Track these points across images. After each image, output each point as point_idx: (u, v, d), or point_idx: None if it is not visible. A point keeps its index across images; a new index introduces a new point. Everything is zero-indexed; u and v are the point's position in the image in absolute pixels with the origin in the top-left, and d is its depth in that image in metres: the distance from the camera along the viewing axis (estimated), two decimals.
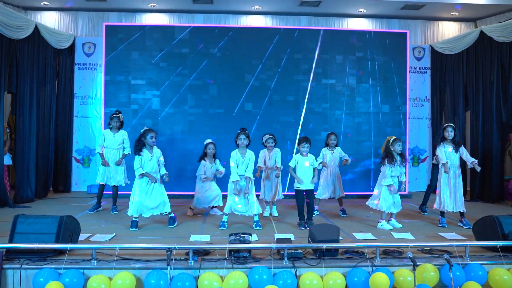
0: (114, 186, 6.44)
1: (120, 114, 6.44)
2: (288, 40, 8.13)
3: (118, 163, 6.37)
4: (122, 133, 6.46)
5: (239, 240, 4.18)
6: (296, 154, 5.72)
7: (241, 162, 5.43)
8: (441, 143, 5.70)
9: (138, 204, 5.31)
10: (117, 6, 8.44)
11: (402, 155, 5.53)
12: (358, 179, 8.08)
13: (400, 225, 5.55)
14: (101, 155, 6.35)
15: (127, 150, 6.44)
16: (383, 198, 5.47)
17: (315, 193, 6.00)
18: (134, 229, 5.29)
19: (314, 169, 5.57)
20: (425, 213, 6.54)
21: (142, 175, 5.30)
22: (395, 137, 5.58)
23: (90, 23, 8.69)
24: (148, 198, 5.35)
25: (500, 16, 8.36)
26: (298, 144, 5.58)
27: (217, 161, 6.29)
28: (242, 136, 5.45)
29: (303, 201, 5.54)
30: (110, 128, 6.41)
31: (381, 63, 8.25)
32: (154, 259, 3.98)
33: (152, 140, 5.36)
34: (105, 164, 6.30)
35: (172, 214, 5.55)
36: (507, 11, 8.18)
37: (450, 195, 5.62)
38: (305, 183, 5.51)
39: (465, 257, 4.17)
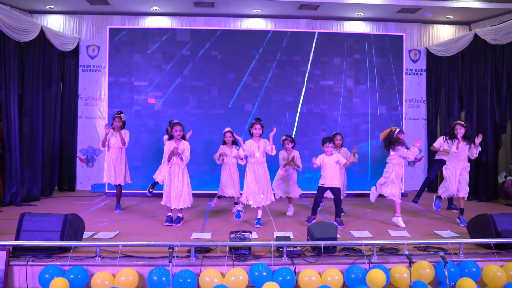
0: (118, 185, 6.54)
1: (122, 114, 6.53)
2: (287, 43, 8.20)
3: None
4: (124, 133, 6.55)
5: (239, 238, 4.25)
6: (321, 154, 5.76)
7: (256, 148, 5.49)
8: (452, 140, 5.67)
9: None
10: (120, 9, 8.51)
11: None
12: (355, 178, 8.08)
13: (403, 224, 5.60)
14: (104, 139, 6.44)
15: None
16: (393, 186, 5.55)
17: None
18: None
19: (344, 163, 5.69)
20: (415, 204, 6.71)
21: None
22: (399, 129, 5.66)
23: (94, 26, 8.79)
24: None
25: (493, 20, 8.44)
26: (322, 145, 5.67)
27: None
28: (258, 126, 5.53)
29: (321, 198, 5.66)
30: (113, 129, 6.52)
31: (378, 65, 8.33)
32: (157, 256, 4.05)
33: (176, 133, 5.56)
34: (107, 130, 6.37)
35: (181, 215, 5.67)
36: (500, 14, 8.26)
37: (455, 180, 5.66)
38: (332, 181, 5.58)
39: (459, 254, 4.24)
